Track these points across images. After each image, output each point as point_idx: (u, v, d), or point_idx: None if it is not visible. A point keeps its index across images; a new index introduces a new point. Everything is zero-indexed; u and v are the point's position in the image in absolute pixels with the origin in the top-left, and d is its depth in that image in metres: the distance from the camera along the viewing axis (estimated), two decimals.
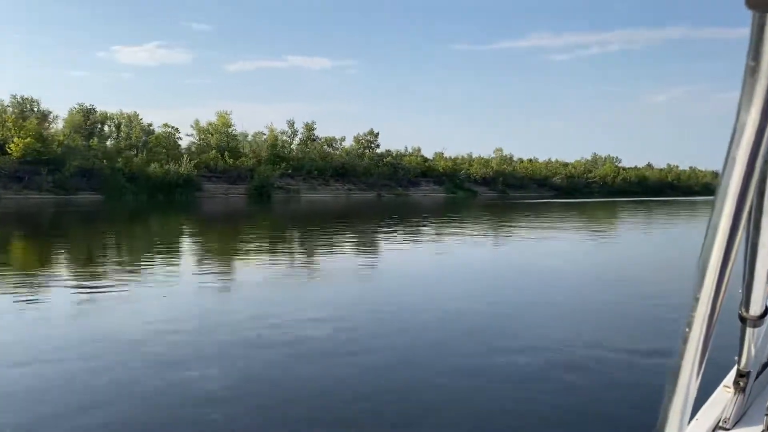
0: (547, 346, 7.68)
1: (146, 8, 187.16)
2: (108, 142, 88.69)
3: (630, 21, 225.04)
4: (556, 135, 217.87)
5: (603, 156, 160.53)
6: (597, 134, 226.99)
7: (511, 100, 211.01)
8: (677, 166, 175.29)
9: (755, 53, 0.59)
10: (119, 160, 75.46)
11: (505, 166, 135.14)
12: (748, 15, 0.58)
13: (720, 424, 1.27)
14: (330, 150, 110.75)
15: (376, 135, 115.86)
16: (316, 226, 32.02)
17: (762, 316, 1.21)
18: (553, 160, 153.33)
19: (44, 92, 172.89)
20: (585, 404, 5.67)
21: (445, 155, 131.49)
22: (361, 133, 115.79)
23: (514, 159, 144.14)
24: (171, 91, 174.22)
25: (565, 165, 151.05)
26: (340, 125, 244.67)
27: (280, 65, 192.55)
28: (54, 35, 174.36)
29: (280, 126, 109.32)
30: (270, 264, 16.12)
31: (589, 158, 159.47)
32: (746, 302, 1.18)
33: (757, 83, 0.61)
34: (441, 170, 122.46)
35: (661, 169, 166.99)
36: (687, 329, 0.80)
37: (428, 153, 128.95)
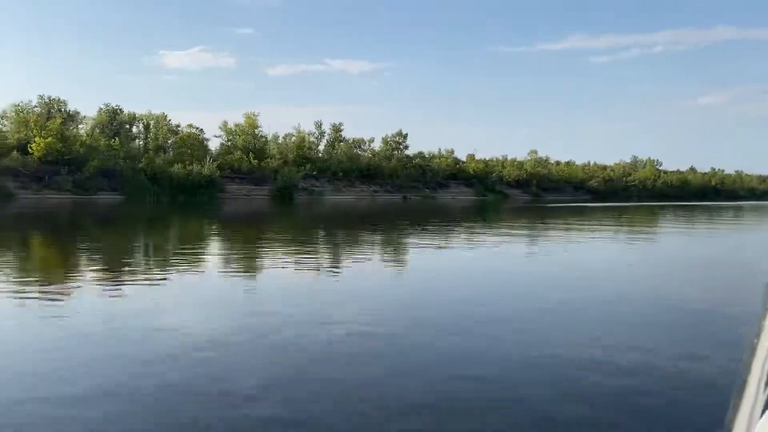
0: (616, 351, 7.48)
1: (191, 13, 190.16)
2: (136, 143, 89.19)
3: (675, 22, 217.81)
4: (595, 138, 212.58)
5: (643, 159, 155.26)
6: (638, 137, 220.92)
7: (550, 102, 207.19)
8: (722, 170, 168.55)
9: None
10: (142, 160, 75.13)
11: (539, 168, 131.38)
12: None
13: None
14: (359, 151, 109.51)
15: (405, 136, 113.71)
16: (314, 230, 30.18)
17: None
18: (591, 163, 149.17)
19: (91, 96, 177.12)
20: (647, 410, 5.48)
21: (477, 157, 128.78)
22: (389, 135, 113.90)
23: (551, 161, 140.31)
24: (214, 95, 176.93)
25: (604, 168, 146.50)
26: (378, 127, 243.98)
27: (320, 68, 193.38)
28: (101, 40, 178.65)
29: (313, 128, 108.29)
30: (280, 268, 14.94)
31: (629, 161, 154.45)
32: None
33: None
34: (472, 172, 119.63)
35: (704, 173, 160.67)
36: (755, 339, 0.78)
37: (462, 155, 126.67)
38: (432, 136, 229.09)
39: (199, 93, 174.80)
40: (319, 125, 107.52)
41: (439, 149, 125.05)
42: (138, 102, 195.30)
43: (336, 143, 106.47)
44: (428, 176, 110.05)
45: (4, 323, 8.71)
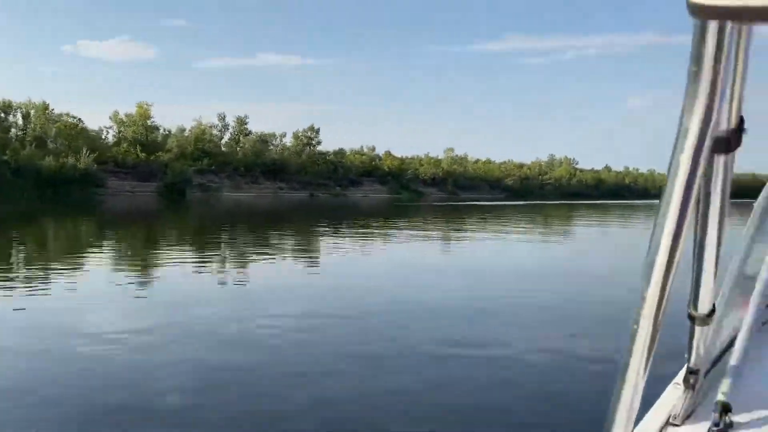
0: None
1: (115, 1, 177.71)
2: (12, 132, 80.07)
3: (608, 26, 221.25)
4: (519, 137, 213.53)
5: (560, 157, 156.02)
6: (563, 137, 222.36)
7: (480, 102, 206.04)
8: (637, 169, 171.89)
9: (697, 59, 0.61)
10: (7, 152, 66.61)
11: (456, 166, 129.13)
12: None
13: (670, 420, 1.32)
14: (272, 147, 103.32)
15: (317, 131, 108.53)
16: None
17: (709, 315, 1.26)
18: (509, 161, 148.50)
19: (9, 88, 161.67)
20: (538, 403, 5.54)
21: (396, 154, 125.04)
22: (300, 129, 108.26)
23: (469, 159, 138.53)
24: (139, 88, 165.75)
25: (520, 166, 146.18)
26: (308, 124, 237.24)
27: (253, 63, 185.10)
28: (20, 29, 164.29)
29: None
30: None
31: (546, 159, 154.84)
32: (694, 301, 1.23)
33: (699, 87, 0.63)
34: (387, 169, 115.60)
35: (618, 172, 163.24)
36: (635, 326, 0.82)
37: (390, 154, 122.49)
38: (363, 135, 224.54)
39: (122, 85, 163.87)
40: (222, 117, 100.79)
41: (362, 146, 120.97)
42: (61, 95, 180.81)
43: (241, 137, 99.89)
44: (340, 173, 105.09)
45: None
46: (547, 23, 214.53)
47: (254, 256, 16.74)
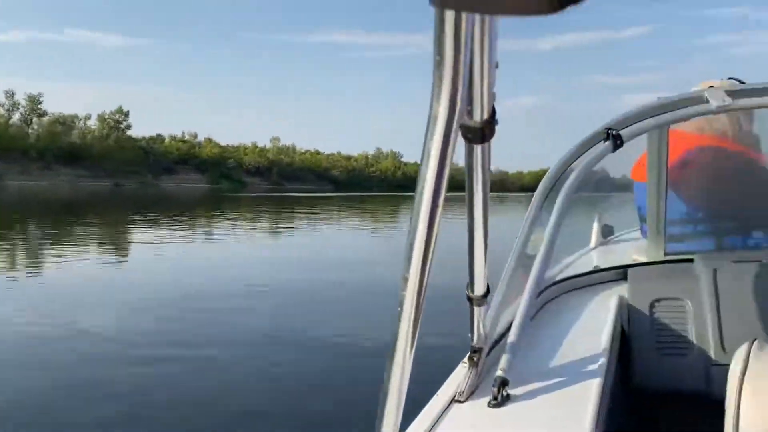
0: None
1: None
2: None
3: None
4: (348, 129, 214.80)
5: (386, 151, 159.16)
6: (386, 130, 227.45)
7: (312, 92, 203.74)
8: (457, 164, 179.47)
9: (439, 48, 0.61)
10: None
11: (282, 156, 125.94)
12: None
13: (456, 397, 1.40)
14: (75, 130, 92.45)
15: (126, 114, 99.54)
16: None
17: (485, 296, 1.34)
18: (337, 152, 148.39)
19: None
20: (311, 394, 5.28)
21: (215, 141, 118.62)
22: (107, 111, 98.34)
23: (296, 150, 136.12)
24: None
25: (348, 158, 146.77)
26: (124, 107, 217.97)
27: (59, 38, 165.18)
28: None
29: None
30: None
31: (373, 152, 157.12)
32: (471, 284, 1.29)
33: (444, 76, 0.64)
34: (206, 157, 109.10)
35: None
36: (399, 308, 0.86)
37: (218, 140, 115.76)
38: (186, 121, 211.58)
39: None
40: (10, 95, 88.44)
41: (183, 133, 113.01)
42: None
43: (33, 118, 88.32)
44: (151, 160, 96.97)
45: None
46: (384, 19, 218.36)
47: (38, 257, 15.04)
